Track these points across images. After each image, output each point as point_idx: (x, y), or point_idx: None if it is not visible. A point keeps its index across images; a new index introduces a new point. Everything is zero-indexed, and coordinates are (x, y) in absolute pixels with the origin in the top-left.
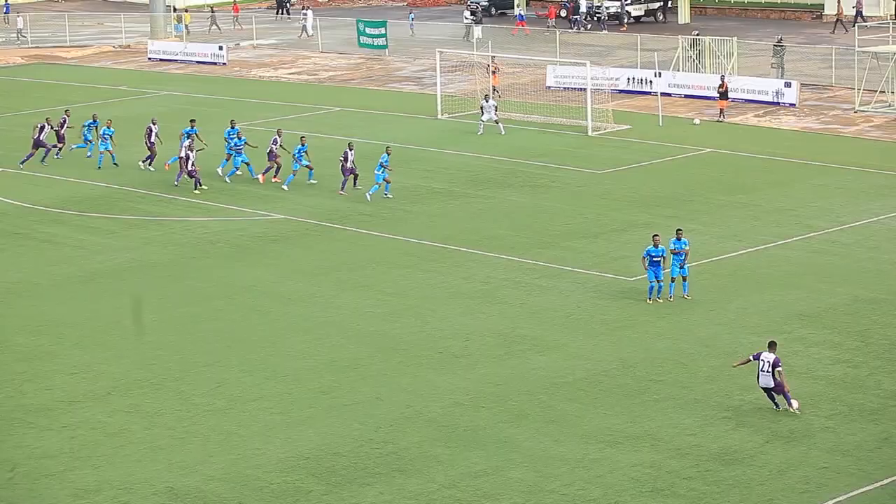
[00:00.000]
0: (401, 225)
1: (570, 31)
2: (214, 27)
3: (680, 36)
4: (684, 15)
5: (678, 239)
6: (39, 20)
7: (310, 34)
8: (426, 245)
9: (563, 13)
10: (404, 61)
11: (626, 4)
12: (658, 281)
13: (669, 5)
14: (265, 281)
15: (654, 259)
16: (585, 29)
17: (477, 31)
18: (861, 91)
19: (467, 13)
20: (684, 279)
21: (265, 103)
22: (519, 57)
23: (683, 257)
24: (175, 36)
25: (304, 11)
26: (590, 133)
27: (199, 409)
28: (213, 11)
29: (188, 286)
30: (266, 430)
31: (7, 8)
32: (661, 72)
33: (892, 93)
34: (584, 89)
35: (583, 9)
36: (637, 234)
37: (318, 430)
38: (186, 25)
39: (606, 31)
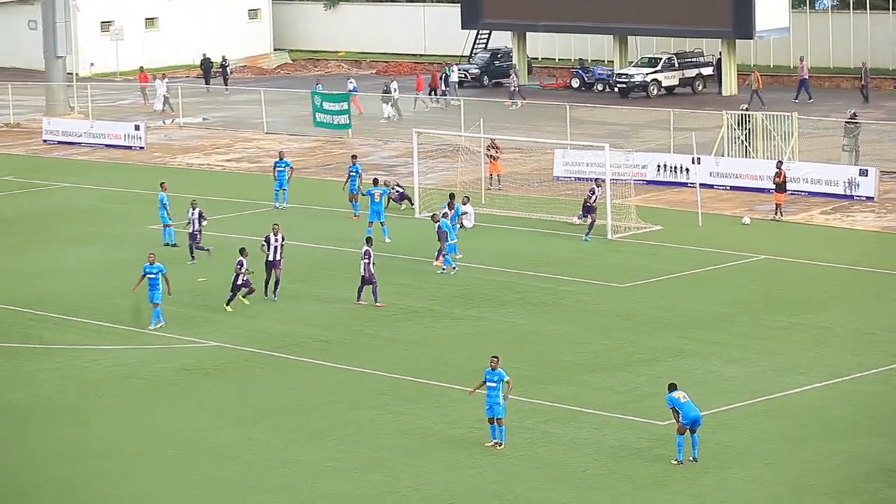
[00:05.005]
0: (368, 354)
1: (436, 105)
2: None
3: (725, 111)
4: (730, 85)
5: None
6: None
7: (168, 107)
8: (400, 380)
9: (576, 83)
10: (373, 145)
11: (655, 72)
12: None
13: (711, 72)
14: (192, 427)
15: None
16: (446, 105)
17: (387, 109)
18: None
19: (394, 86)
20: (692, 430)
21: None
22: (519, 139)
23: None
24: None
25: (159, 81)
26: (609, 236)
27: None
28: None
29: (91, 434)
30: None
31: None
32: (701, 157)
33: None
34: (603, 180)
35: (453, 78)
36: (670, 366)
37: None
38: None
39: (520, 103)
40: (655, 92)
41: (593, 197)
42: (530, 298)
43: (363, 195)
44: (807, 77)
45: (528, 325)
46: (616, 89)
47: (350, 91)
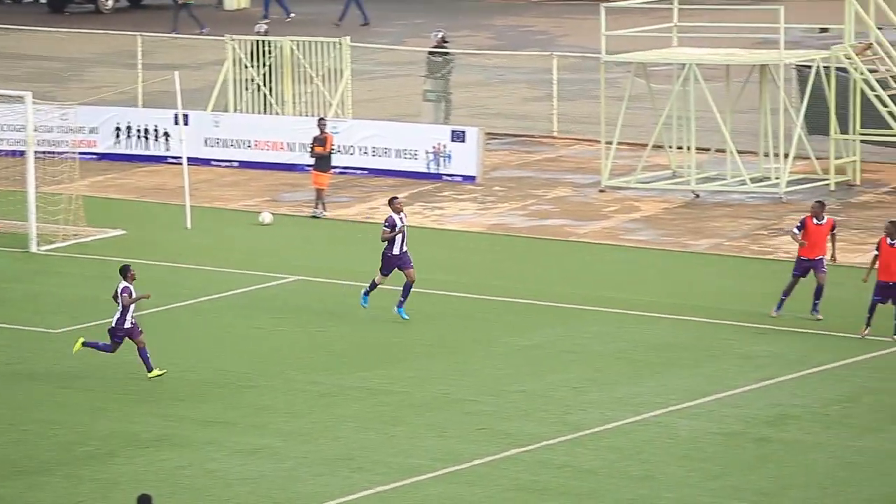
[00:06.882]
0: None
1: None
2: None
3: (228, 36)
4: None
5: None
6: None
7: None
8: None
9: None
10: None
11: None
12: None
13: None
14: None
15: None
16: None
17: None
18: (613, 147)
19: None
20: None
21: None
22: None
23: None
24: None
25: None
26: (34, 248)
27: None
28: None
29: None
30: None
31: None
32: (188, 114)
33: (674, 149)
34: (15, 153)
35: None
36: (140, 463)
37: None
38: None
39: None
40: (111, 4)
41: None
42: None
43: None
44: None
45: None
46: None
47: None
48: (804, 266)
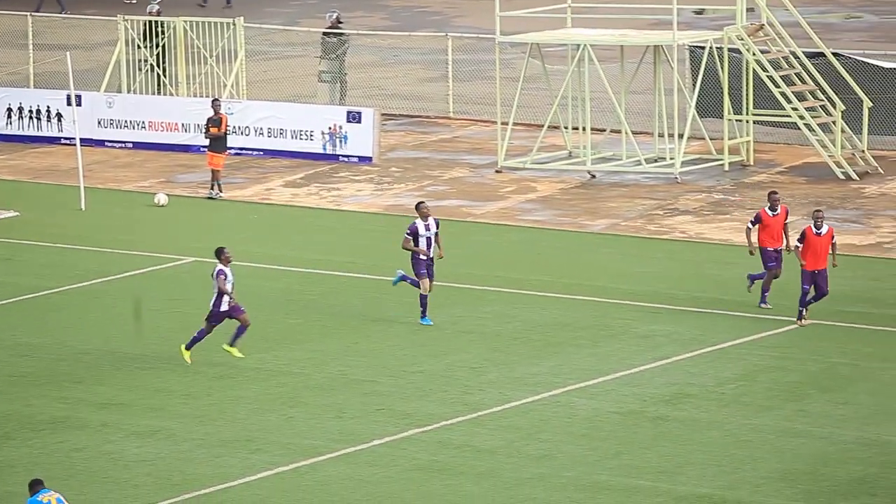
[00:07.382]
0: None
1: None
2: None
3: (122, 16)
4: None
5: None
6: None
7: None
8: None
9: None
10: None
11: None
12: None
13: None
14: None
15: None
16: None
17: None
18: (509, 128)
19: None
20: None
21: None
22: None
23: None
24: None
25: None
26: None
27: None
28: None
29: None
30: None
31: None
32: (81, 94)
33: (569, 129)
34: None
35: None
36: (36, 447)
37: None
38: None
39: None
40: None
41: None
42: None
43: None
44: None
45: None
46: None
47: None
48: (772, 255)
